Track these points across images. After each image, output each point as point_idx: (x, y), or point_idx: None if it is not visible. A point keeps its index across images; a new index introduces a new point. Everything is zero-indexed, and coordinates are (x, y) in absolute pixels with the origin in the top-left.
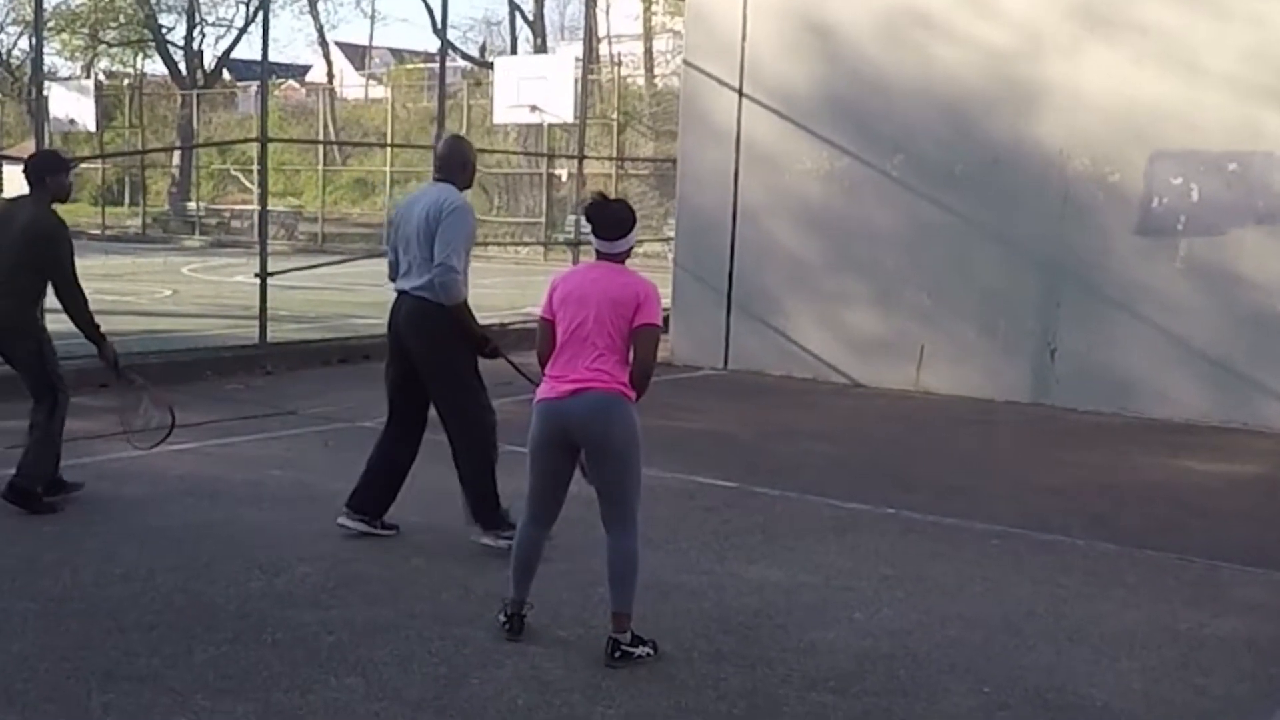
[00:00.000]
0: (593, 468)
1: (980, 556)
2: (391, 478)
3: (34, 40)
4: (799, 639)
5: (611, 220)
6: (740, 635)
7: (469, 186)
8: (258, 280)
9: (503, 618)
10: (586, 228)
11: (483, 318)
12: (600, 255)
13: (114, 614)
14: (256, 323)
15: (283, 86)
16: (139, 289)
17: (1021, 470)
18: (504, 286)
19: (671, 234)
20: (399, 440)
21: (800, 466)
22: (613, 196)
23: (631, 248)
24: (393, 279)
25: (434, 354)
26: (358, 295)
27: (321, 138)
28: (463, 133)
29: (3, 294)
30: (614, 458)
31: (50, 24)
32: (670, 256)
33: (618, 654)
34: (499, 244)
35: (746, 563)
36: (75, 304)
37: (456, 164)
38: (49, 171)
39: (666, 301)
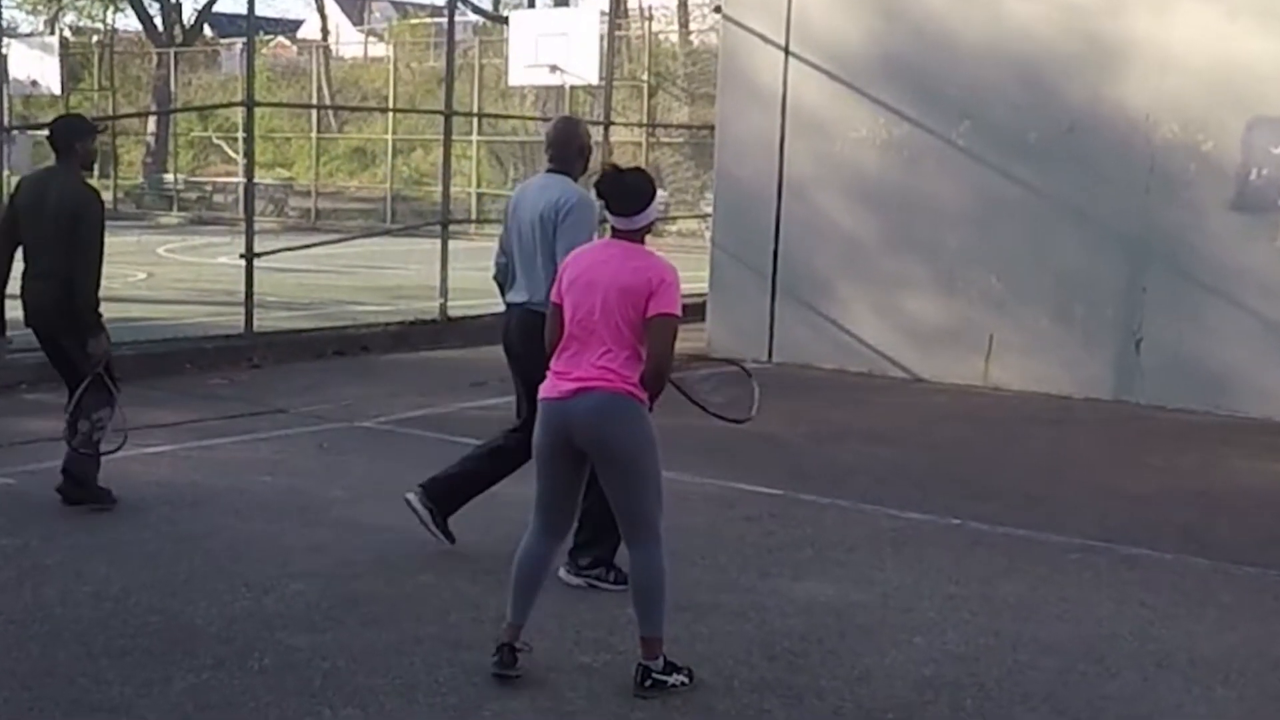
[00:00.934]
0: (602, 479)
1: (1056, 573)
2: (476, 478)
3: None
4: (852, 666)
5: (626, 192)
6: (786, 662)
7: (584, 174)
8: (243, 262)
9: (493, 657)
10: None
11: (499, 303)
12: (616, 232)
13: (82, 637)
14: (242, 310)
15: (271, 44)
16: (109, 271)
17: (1103, 476)
18: None
19: (709, 210)
20: (512, 447)
21: (853, 471)
22: (637, 166)
23: (652, 223)
24: (500, 284)
25: (531, 365)
26: (355, 279)
27: (315, 101)
28: (475, 95)
29: (45, 276)
30: (623, 468)
31: None
32: (707, 235)
33: (648, 683)
34: None
35: (793, 580)
36: (87, 283)
37: (573, 150)
38: (77, 137)
39: (703, 285)
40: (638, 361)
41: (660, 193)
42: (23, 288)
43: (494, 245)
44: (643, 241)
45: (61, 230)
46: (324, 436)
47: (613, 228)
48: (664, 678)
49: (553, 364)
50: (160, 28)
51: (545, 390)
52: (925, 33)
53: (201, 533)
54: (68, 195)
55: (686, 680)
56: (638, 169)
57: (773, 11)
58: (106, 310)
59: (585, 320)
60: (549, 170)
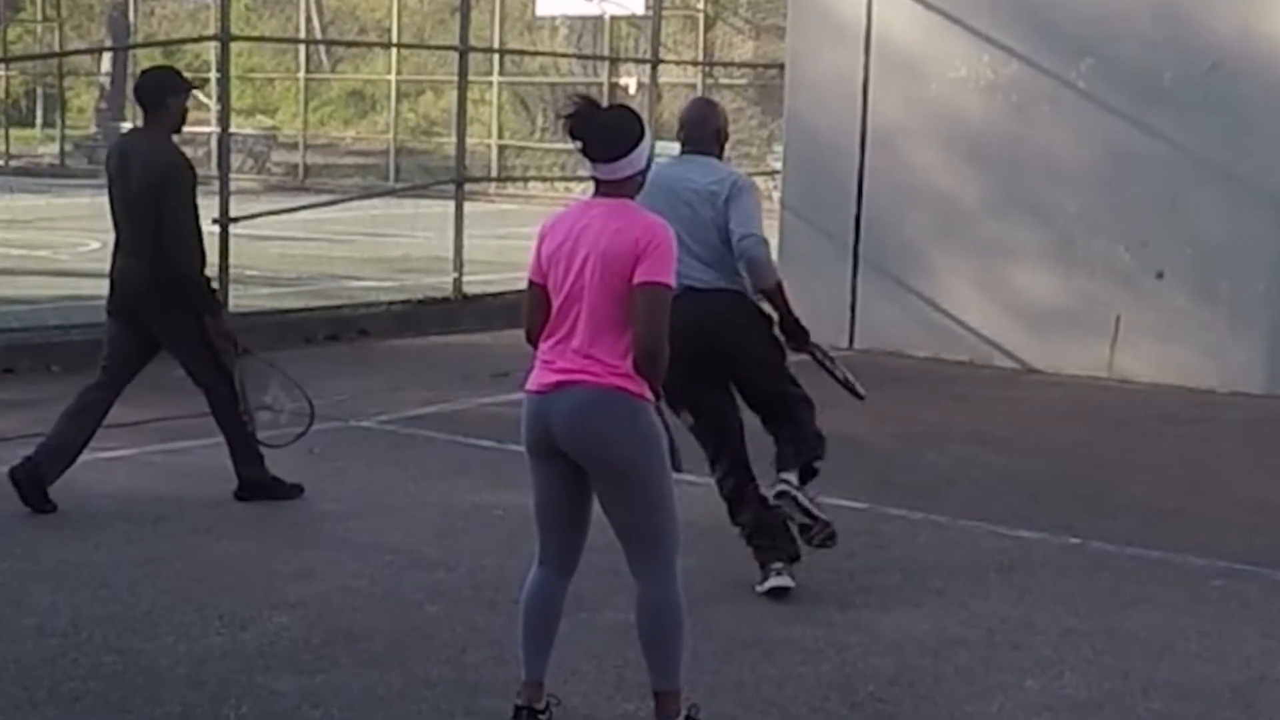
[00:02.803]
0: (598, 494)
1: (1196, 603)
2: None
3: None
4: (951, 714)
5: (604, 133)
6: (871, 709)
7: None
8: (216, 228)
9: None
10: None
11: (524, 278)
12: (598, 187)
13: (24, 680)
14: (215, 285)
15: None
16: (55, 240)
17: (1252, 486)
18: None
19: (778, 165)
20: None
21: (952, 481)
22: (621, 104)
23: (641, 173)
24: None
25: (757, 346)
26: (352, 249)
27: (303, 35)
28: (495, 27)
29: (134, 253)
30: (618, 480)
31: None
32: (776, 196)
33: None
34: (544, 179)
35: (879, 611)
36: (184, 254)
37: (711, 131)
38: (171, 92)
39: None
40: (629, 345)
41: None
42: (112, 264)
43: (519, 208)
44: (631, 197)
45: (147, 201)
46: (314, 439)
47: (594, 180)
48: None
49: (539, 351)
50: None
51: (529, 381)
52: None
53: (166, 555)
54: (152, 161)
55: None
56: (621, 106)
57: None
58: (52, 286)
59: (569, 298)
60: (687, 152)
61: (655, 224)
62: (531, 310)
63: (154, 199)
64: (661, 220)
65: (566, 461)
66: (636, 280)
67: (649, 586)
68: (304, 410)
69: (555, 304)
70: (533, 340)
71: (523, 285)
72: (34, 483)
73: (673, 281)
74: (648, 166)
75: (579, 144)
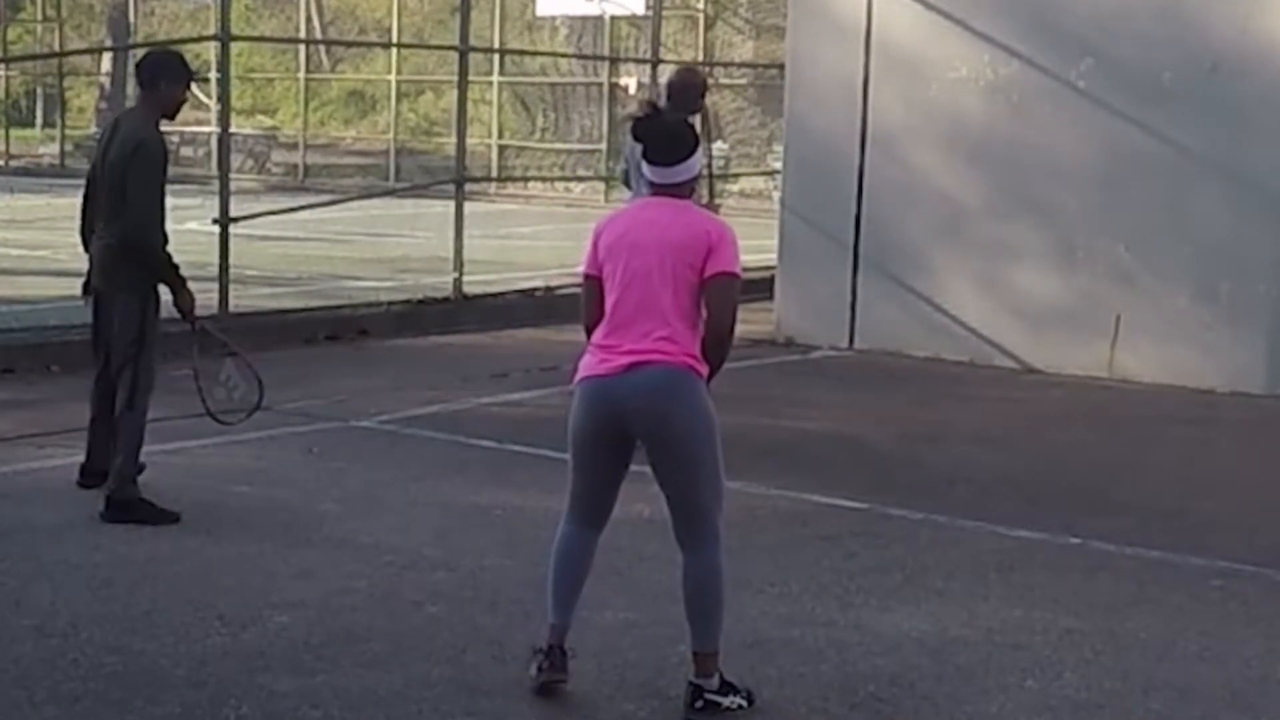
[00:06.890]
0: (657, 467)
1: (1196, 603)
2: None
3: None
4: (951, 714)
5: (667, 138)
6: (871, 709)
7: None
8: (217, 228)
9: (534, 668)
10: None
11: (524, 278)
12: (655, 188)
13: (24, 680)
14: (215, 286)
15: None
16: (55, 240)
17: (1253, 487)
18: (552, 236)
19: (778, 166)
20: None
21: (952, 481)
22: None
23: (695, 178)
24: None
25: None
26: (352, 249)
27: (303, 35)
28: (496, 27)
29: (104, 227)
30: (683, 454)
31: None
32: (776, 196)
33: (699, 703)
34: (544, 179)
35: (879, 611)
36: (145, 224)
37: (693, 99)
38: (165, 75)
39: (770, 257)
40: (696, 331)
41: (719, 145)
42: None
43: (519, 208)
44: (689, 197)
45: (117, 172)
46: (314, 438)
47: (650, 182)
48: (719, 699)
49: (596, 337)
50: None
51: (589, 367)
52: None
53: (165, 556)
54: (128, 137)
55: (745, 704)
56: (680, 119)
57: None
58: (52, 286)
59: (634, 286)
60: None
61: (720, 221)
62: (589, 303)
63: (123, 170)
64: (723, 220)
65: (619, 444)
66: (710, 271)
67: (695, 553)
68: (252, 398)
69: (615, 293)
70: (590, 331)
71: (522, 285)
72: (121, 509)
73: (741, 272)
74: (698, 175)
75: (642, 147)
